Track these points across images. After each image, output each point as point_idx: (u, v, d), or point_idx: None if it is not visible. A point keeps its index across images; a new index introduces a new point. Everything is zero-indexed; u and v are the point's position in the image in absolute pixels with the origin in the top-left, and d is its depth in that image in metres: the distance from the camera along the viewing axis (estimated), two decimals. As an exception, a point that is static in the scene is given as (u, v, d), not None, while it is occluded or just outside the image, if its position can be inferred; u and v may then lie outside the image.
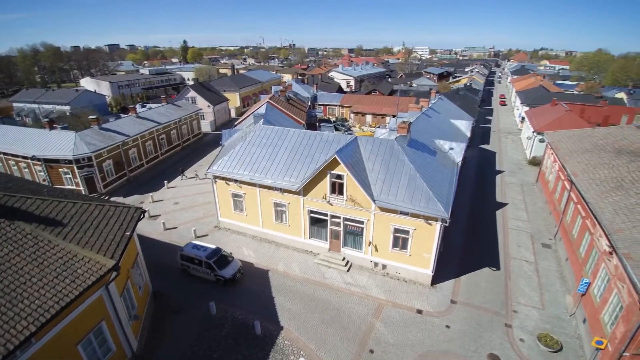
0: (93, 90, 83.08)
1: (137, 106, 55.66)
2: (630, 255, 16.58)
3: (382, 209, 23.75)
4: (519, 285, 24.93)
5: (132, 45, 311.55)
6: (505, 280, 25.47)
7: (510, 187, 40.74)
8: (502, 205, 36.49)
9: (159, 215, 34.04)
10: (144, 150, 45.27)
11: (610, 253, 18.40)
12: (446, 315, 22.34)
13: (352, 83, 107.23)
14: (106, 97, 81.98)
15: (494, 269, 26.64)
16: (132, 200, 37.46)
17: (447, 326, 21.52)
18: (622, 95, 70.60)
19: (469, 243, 29.78)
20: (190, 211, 34.79)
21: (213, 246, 25.72)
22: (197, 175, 43.47)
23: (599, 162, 26.74)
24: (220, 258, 24.80)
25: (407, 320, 21.90)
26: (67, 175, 36.39)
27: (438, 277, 24.94)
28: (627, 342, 16.00)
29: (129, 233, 17.55)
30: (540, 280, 25.38)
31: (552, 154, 35.39)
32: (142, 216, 19.81)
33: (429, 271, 24.34)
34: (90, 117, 41.73)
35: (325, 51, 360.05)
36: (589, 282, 20.89)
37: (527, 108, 62.97)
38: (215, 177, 29.29)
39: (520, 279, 25.54)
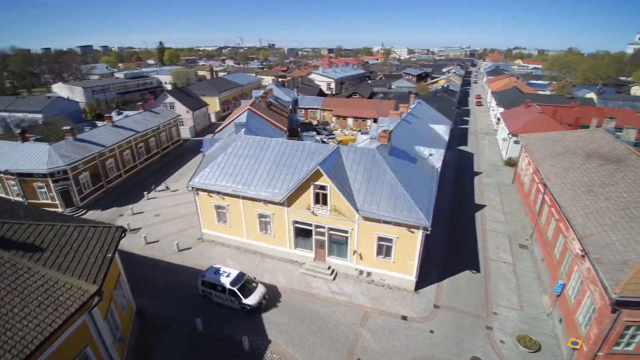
0: (66, 97, 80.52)
1: (113, 114, 54.46)
2: (601, 260, 17.48)
3: (366, 219, 24.13)
4: (498, 287, 25.82)
5: (106, 46, 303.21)
6: (485, 282, 26.32)
7: (488, 189, 41.98)
8: (481, 207, 37.58)
9: (140, 228, 33.42)
10: (121, 160, 44.27)
11: (583, 256, 19.34)
12: (430, 321, 22.93)
13: (333, 85, 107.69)
14: (80, 103, 79.59)
15: (474, 271, 27.46)
16: (111, 212, 36.64)
17: (431, 331, 22.10)
18: (592, 95, 73.55)
19: (450, 246, 30.55)
20: (171, 223, 34.29)
21: (236, 270, 24.48)
22: (167, 187, 42.44)
23: (571, 165, 27.96)
24: (244, 284, 23.61)
25: (392, 327, 22.36)
26: (42, 190, 35.24)
27: (421, 282, 25.54)
28: (600, 342, 16.91)
29: (110, 255, 17.26)
30: (518, 282, 26.35)
31: (526, 156, 36.71)
32: (123, 235, 19.50)
33: (412, 277, 24.90)
34: (64, 128, 40.49)
35: (305, 51, 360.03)
36: (564, 283, 21.87)
37: (502, 109, 64.89)
38: (197, 189, 29.00)
39: (499, 280, 26.45)
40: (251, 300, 22.95)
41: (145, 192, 40.19)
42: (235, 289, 22.96)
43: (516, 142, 45.73)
